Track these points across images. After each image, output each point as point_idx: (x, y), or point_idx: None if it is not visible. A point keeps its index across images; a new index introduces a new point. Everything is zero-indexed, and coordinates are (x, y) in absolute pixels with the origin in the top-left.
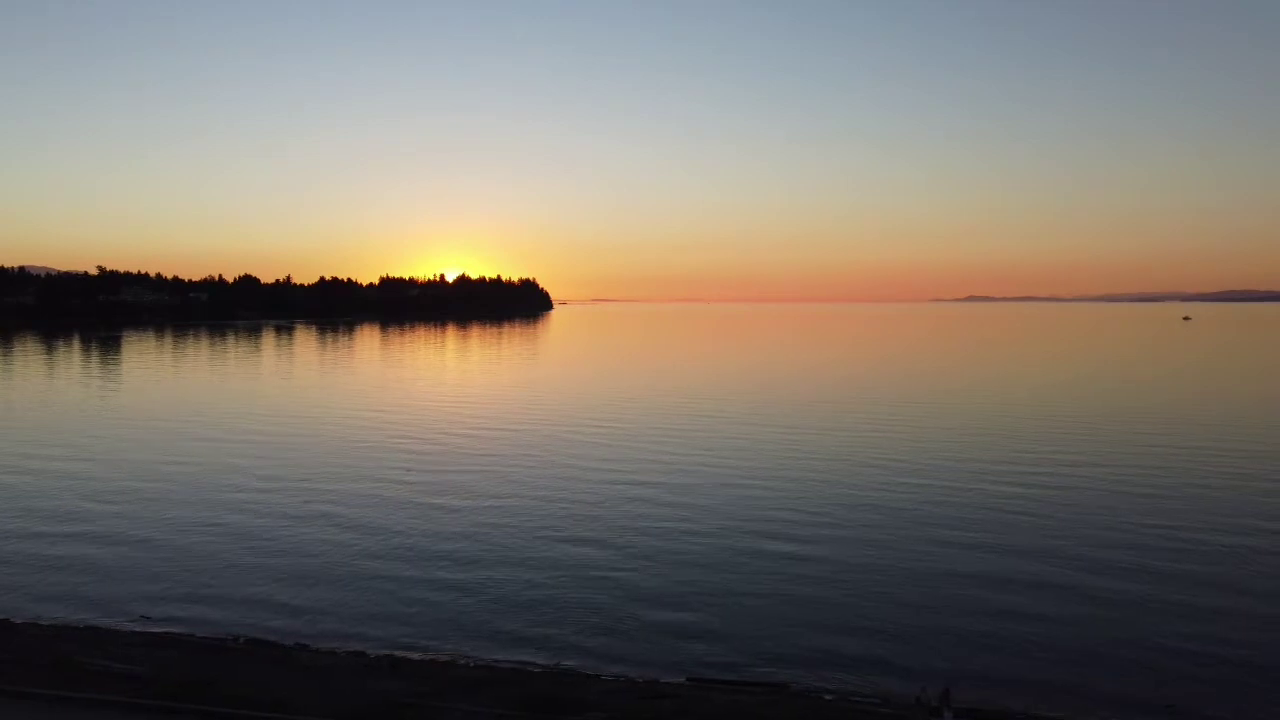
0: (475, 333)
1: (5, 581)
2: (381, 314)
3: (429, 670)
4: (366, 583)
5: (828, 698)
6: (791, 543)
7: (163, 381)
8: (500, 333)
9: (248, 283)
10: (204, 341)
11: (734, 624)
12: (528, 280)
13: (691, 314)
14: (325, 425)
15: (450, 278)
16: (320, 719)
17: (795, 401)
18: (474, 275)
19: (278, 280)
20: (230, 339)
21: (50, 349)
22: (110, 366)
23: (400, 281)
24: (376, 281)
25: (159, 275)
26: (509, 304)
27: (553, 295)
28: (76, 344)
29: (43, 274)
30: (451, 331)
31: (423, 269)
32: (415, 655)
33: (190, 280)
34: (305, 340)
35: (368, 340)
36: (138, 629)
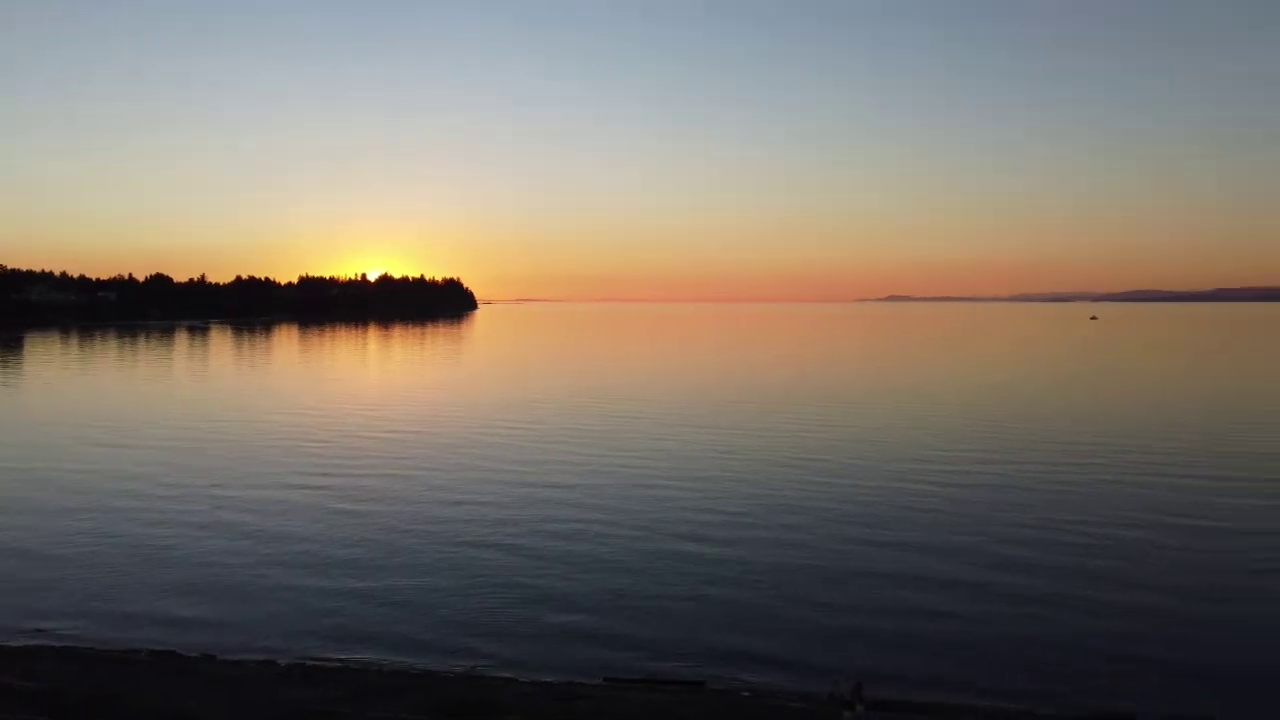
0: (397, 333)
1: None
2: (301, 314)
3: (342, 678)
4: (274, 592)
5: (744, 694)
6: (709, 544)
7: (64, 385)
8: (423, 333)
9: (159, 281)
10: (111, 343)
11: (651, 626)
12: (452, 280)
13: (619, 314)
14: (235, 429)
15: (372, 277)
16: None
17: (715, 402)
18: (397, 275)
19: (192, 279)
20: (140, 340)
21: None
22: (9, 370)
23: (320, 281)
24: (296, 281)
25: (64, 274)
26: (432, 304)
27: (477, 295)
28: None
29: None
30: (372, 332)
31: (345, 269)
32: (328, 663)
33: (98, 279)
34: (219, 341)
35: (285, 341)
36: (34, 643)
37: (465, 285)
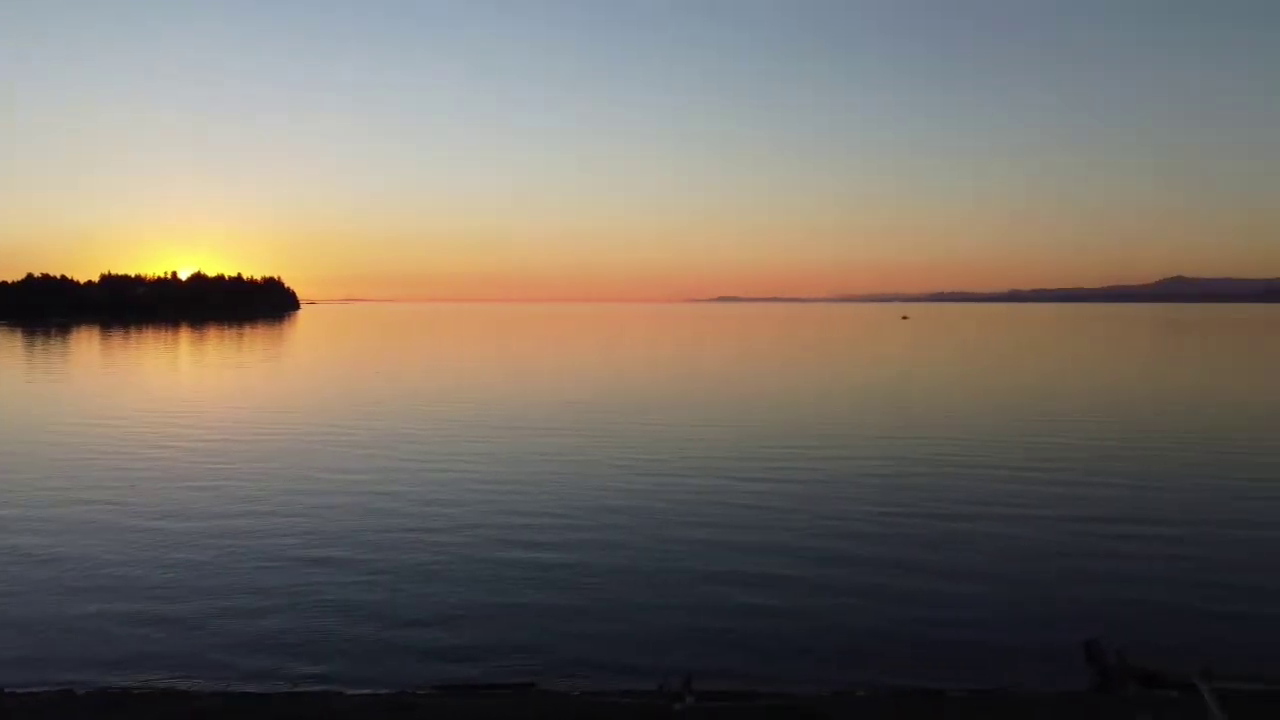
0: (211, 335)
1: None
2: (104, 315)
3: (155, 704)
4: (73, 620)
5: (575, 694)
6: (536, 549)
7: None
8: (240, 335)
9: None
10: None
11: (480, 633)
12: (271, 279)
13: (451, 314)
14: (24, 442)
15: (184, 276)
16: None
17: (544, 404)
18: (211, 273)
19: None
20: None
21: None
22: None
23: (126, 280)
24: (98, 279)
25: None
26: (250, 304)
27: (300, 294)
28: None
29: None
30: (183, 334)
31: (154, 266)
32: (135, 690)
33: None
34: (3, 345)
35: (81, 345)
36: None
37: (286, 284)
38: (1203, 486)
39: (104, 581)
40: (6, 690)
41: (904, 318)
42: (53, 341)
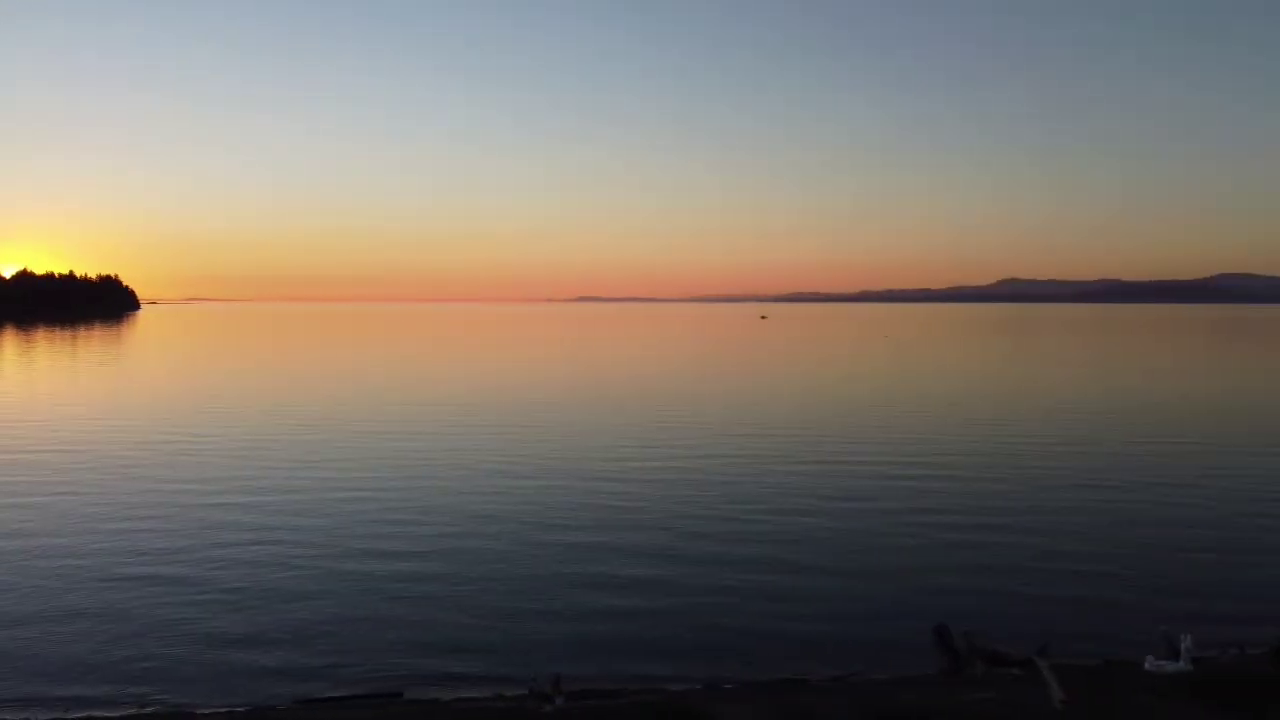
0: (39, 337)
1: None
2: None
3: None
4: None
5: (443, 700)
6: (395, 559)
7: None
8: (72, 337)
9: None
10: None
11: (342, 648)
12: (108, 277)
13: (301, 315)
14: None
15: (9, 274)
16: None
17: (392, 407)
18: (39, 271)
19: None
20: None
21: None
22: None
23: None
24: None
25: None
26: (83, 304)
27: (141, 294)
28: None
29: None
30: (8, 336)
31: None
32: None
33: None
34: None
35: None
36: None
37: (125, 284)
38: (1036, 477)
39: None
40: None
41: (763, 317)
42: None
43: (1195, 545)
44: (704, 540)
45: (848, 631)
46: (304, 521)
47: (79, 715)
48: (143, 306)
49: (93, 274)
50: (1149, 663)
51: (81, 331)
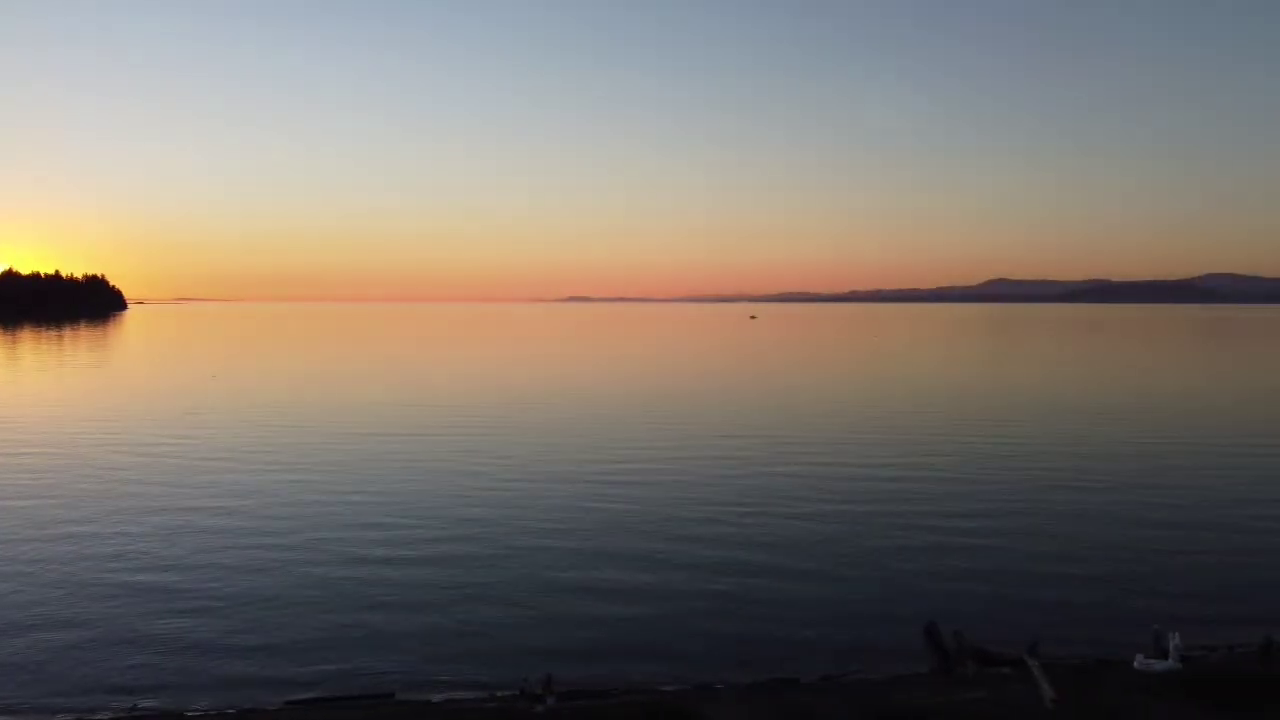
0: (26, 337)
1: None
2: None
3: None
4: None
5: (435, 700)
6: (388, 561)
7: None
8: (60, 337)
9: None
10: None
11: (331, 650)
12: (94, 277)
13: (288, 315)
14: None
15: None
16: None
17: (380, 408)
18: (25, 270)
19: None
20: None
21: None
22: None
23: None
24: None
25: None
26: (70, 304)
27: (128, 294)
28: None
29: None
30: None
31: None
32: None
33: None
34: None
35: None
36: None
37: (112, 284)
38: (1025, 478)
39: None
40: None
41: (752, 317)
42: None
43: (1183, 545)
44: (694, 542)
45: (839, 631)
46: (293, 524)
47: (69, 719)
48: (130, 306)
49: (79, 274)
50: (1138, 661)
51: (67, 332)
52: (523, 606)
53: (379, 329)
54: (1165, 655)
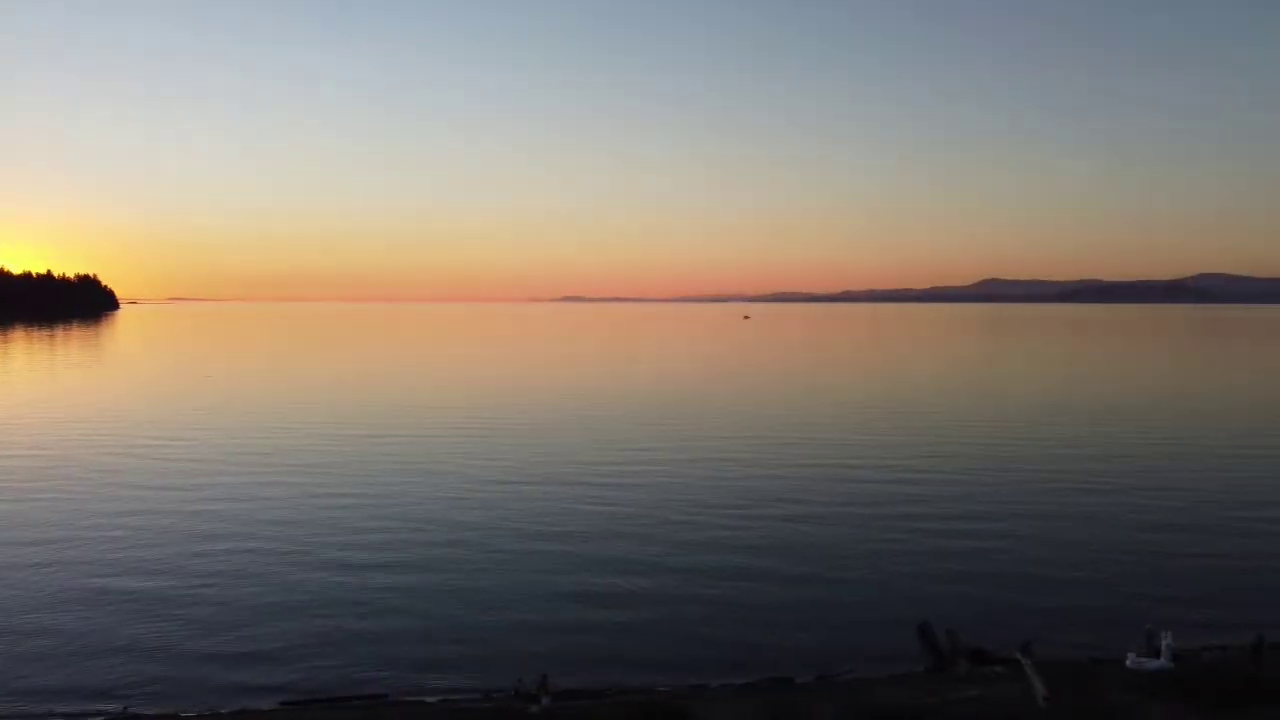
0: (17, 338)
1: None
2: None
3: None
4: None
5: (429, 701)
6: (382, 563)
7: None
8: (52, 337)
9: None
10: None
11: (326, 651)
12: (86, 277)
13: (282, 315)
14: None
15: None
16: None
17: (375, 409)
18: (17, 270)
19: None
20: None
21: None
22: None
23: None
24: None
25: None
26: (62, 304)
27: (120, 294)
28: None
29: None
30: None
31: None
32: None
33: None
34: None
35: None
36: None
37: (104, 284)
38: (1018, 478)
39: None
40: None
41: (745, 317)
42: None
43: (1176, 545)
44: (689, 543)
45: (833, 631)
46: (286, 527)
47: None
48: (122, 306)
49: (71, 274)
50: (1130, 660)
51: (59, 332)
52: (518, 606)
53: (374, 329)
54: (1157, 654)
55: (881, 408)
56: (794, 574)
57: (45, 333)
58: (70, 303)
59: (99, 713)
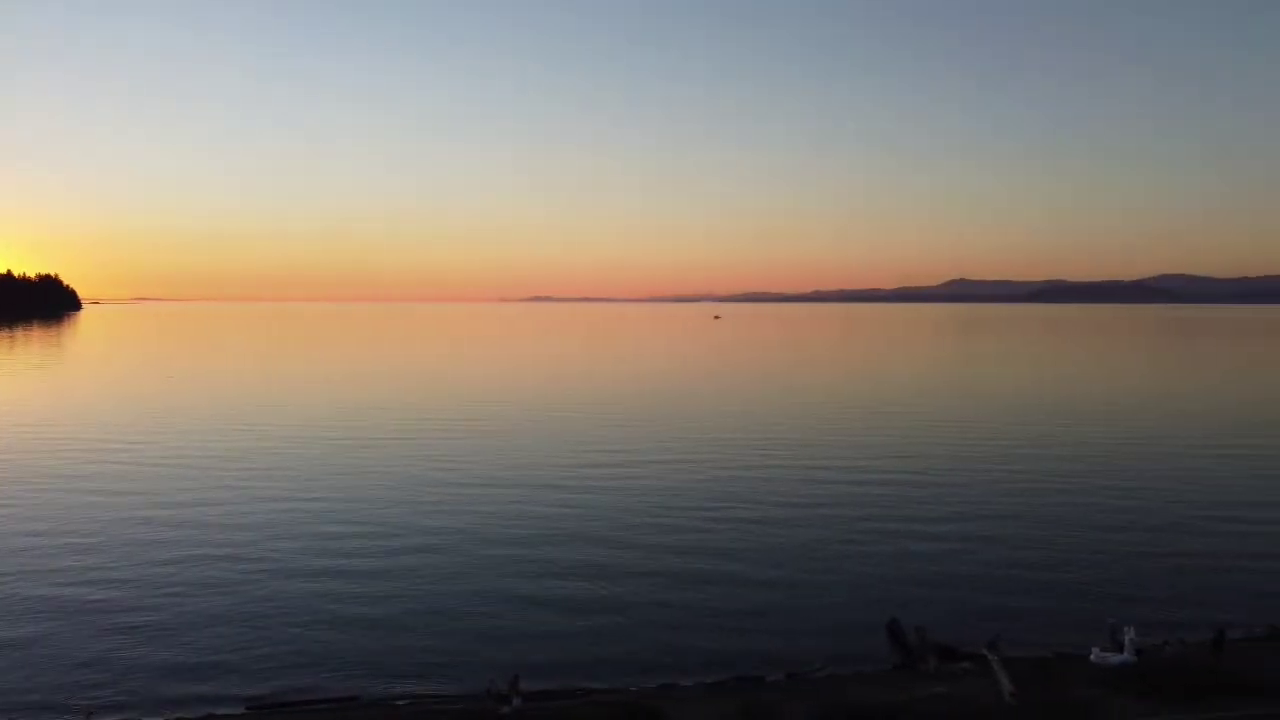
0: None
1: None
2: None
3: None
4: None
5: (400, 704)
6: (351, 567)
7: None
8: (11, 337)
9: None
10: None
11: (296, 655)
12: (48, 277)
13: (249, 315)
14: None
15: None
16: None
17: (342, 410)
18: None
19: None
20: None
21: None
22: None
23: None
24: None
25: None
26: (22, 304)
27: (83, 294)
28: None
29: None
30: None
31: None
32: None
33: None
34: None
35: None
36: None
37: (66, 284)
38: (983, 477)
39: None
40: None
41: (716, 317)
42: None
43: (1139, 543)
44: (657, 546)
45: (804, 630)
46: (251, 531)
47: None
48: (85, 306)
49: (32, 273)
50: (1094, 655)
51: (18, 333)
52: (490, 609)
53: (340, 330)
54: (1121, 649)
55: (850, 409)
56: (764, 575)
57: (3, 334)
58: (30, 303)
59: (58, 714)
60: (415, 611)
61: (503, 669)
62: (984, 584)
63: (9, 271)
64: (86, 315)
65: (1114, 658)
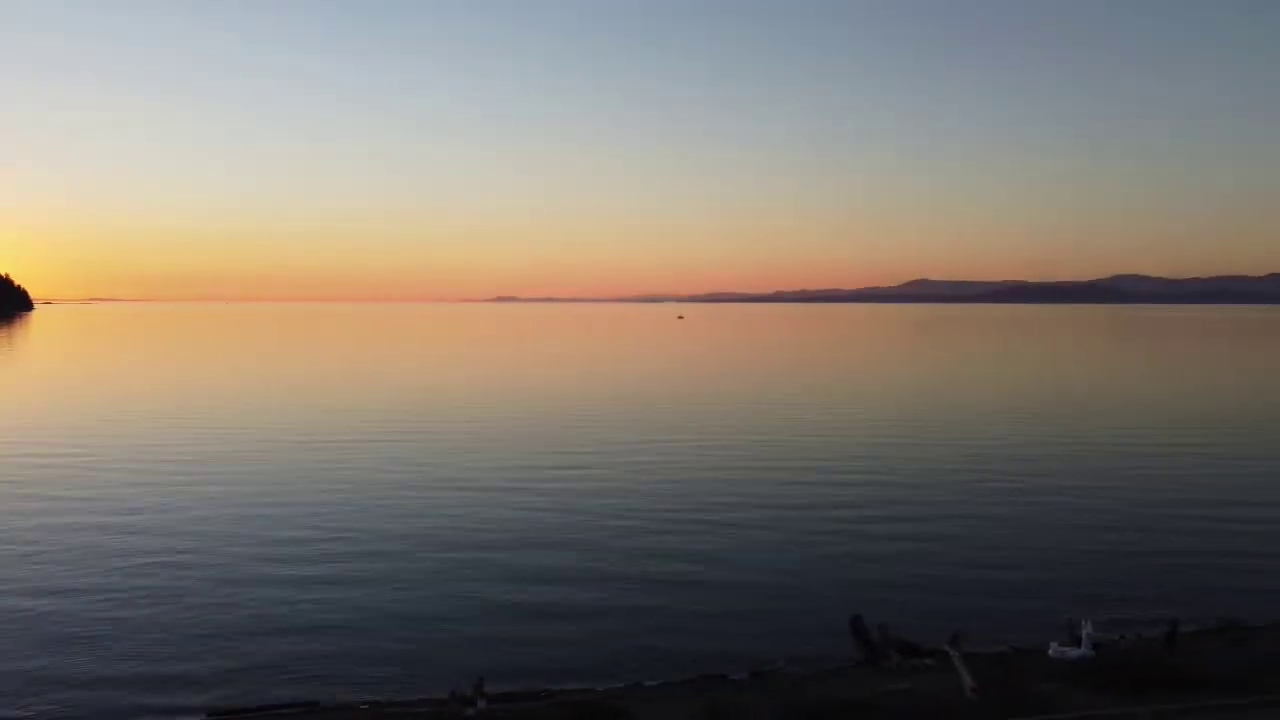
0: None
1: None
2: None
3: None
4: None
5: (363, 707)
6: (314, 571)
7: None
8: None
9: None
10: None
11: (256, 659)
12: None
13: (209, 315)
14: None
15: None
16: None
17: (300, 413)
18: None
19: None
20: None
21: None
22: None
23: None
24: None
25: None
26: None
27: (35, 294)
28: None
29: None
30: None
31: None
32: None
33: None
34: None
35: None
36: None
37: (17, 283)
38: (943, 475)
39: None
40: None
41: (680, 318)
42: None
43: (1095, 540)
44: (618, 550)
45: (767, 628)
46: (209, 539)
47: None
48: (36, 307)
49: None
50: (1052, 649)
51: None
52: (449, 620)
53: (300, 331)
54: (1078, 643)
55: (811, 408)
56: (727, 576)
57: None
58: None
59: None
60: (377, 617)
61: (467, 673)
62: (945, 582)
63: None
64: (38, 315)
65: (1072, 652)
